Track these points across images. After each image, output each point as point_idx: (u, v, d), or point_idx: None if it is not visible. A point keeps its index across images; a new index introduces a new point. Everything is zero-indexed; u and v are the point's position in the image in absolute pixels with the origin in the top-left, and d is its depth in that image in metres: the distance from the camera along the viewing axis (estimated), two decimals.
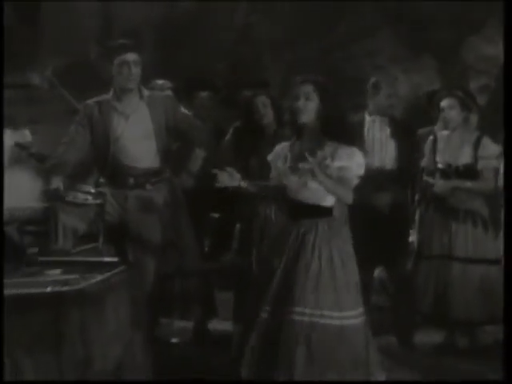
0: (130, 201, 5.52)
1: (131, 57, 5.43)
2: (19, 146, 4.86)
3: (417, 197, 6.33)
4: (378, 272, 6.74)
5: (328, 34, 9.28)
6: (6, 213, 5.12)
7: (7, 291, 3.90)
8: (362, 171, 4.80)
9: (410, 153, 6.22)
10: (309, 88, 4.83)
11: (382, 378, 4.81)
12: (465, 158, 5.99)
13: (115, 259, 4.77)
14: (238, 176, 4.91)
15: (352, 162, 4.77)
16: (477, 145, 6.05)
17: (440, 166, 6.15)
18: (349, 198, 4.78)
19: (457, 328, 6.19)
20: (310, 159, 4.68)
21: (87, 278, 4.11)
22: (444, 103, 6.10)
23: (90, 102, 5.61)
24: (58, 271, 4.38)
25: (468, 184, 5.96)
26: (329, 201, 4.80)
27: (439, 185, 6.07)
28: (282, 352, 4.63)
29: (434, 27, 8.90)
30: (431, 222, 6.19)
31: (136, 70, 5.47)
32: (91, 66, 8.67)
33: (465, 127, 6.13)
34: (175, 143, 5.81)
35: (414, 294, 6.20)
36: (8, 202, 5.16)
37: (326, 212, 4.82)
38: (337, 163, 4.75)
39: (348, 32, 9.32)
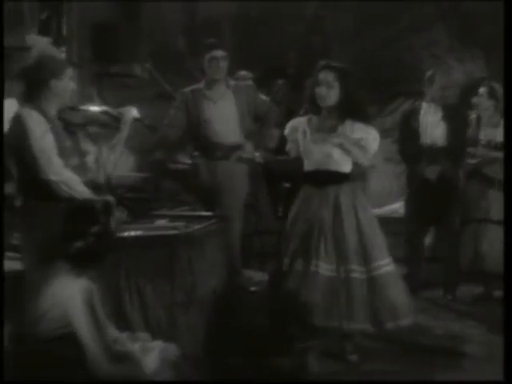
0: (218, 170, 6.50)
1: (219, 53, 6.50)
2: (136, 119, 5.31)
3: (461, 171, 7.09)
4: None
5: (392, 25, 9.58)
6: (115, 180, 5.87)
7: (132, 233, 5.00)
8: (376, 144, 5.21)
9: (459, 132, 6.98)
10: (331, 76, 5.10)
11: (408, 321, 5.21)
12: (500, 136, 6.78)
13: (210, 213, 5.81)
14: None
15: (369, 135, 5.17)
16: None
17: (482, 141, 7.02)
18: (366, 161, 5.21)
19: (492, 281, 6.88)
20: (337, 132, 5.06)
21: (190, 225, 5.26)
22: (480, 90, 7.11)
23: (186, 90, 6.68)
24: (165, 221, 5.44)
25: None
26: (348, 167, 5.21)
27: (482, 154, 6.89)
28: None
29: (480, 22, 9.24)
30: (472, 189, 7.00)
31: (223, 64, 6.53)
32: (179, 55, 9.39)
33: (495, 112, 6.98)
34: (256, 124, 6.72)
35: (459, 251, 6.98)
36: (118, 171, 5.93)
37: (347, 178, 5.21)
38: (356, 135, 5.14)
39: (410, 24, 9.59)
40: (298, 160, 5.30)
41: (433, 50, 9.55)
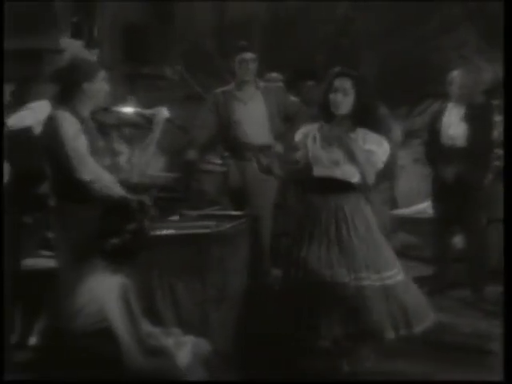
0: (248, 170, 6.61)
1: (249, 55, 6.62)
2: (168, 119, 5.36)
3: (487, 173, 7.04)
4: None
5: (421, 26, 9.58)
6: (147, 179, 5.93)
7: (164, 231, 5.12)
8: (385, 158, 5.07)
9: (482, 133, 6.95)
10: (347, 83, 5.00)
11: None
12: None
13: (240, 213, 5.90)
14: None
15: (380, 149, 5.03)
16: None
17: None
18: (372, 178, 5.04)
19: None
20: (348, 139, 4.96)
21: (221, 224, 5.36)
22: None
23: (217, 91, 6.80)
24: (196, 220, 5.56)
25: None
26: (355, 177, 5.06)
27: None
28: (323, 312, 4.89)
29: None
30: (498, 190, 7.11)
31: (252, 66, 6.64)
32: (209, 57, 9.46)
33: None
34: (285, 125, 6.80)
35: (485, 251, 7.02)
36: (150, 171, 6.02)
37: (354, 187, 5.08)
38: (367, 146, 4.99)
39: (438, 25, 9.61)
40: (308, 167, 5.19)
41: (461, 51, 9.55)
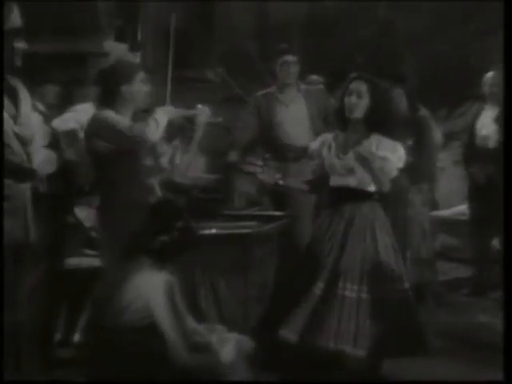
0: (289, 171, 6.65)
1: (290, 58, 6.70)
2: (210, 119, 5.34)
3: None
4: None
5: (462, 28, 9.71)
6: (190, 181, 6.02)
7: (209, 231, 5.23)
8: (401, 164, 4.99)
9: None
10: (362, 87, 4.96)
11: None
12: None
13: (281, 213, 5.99)
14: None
15: (394, 155, 4.94)
16: None
17: None
18: (386, 186, 4.95)
19: None
20: (362, 146, 4.87)
21: (262, 224, 5.44)
22: None
23: (259, 93, 6.90)
24: (237, 221, 5.64)
25: None
26: (372, 186, 4.99)
27: None
28: (333, 323, 4.75)
29: None
30: None
31: (294, 69, 6.72)
32: (249, 60, 9.59)
33: None
34: (326, 127, 6.65)
35: None
36: (191, 172, 6.15)
37: (369, 196, 5.00)
38: (381, 153, 4.90)
39: (479, 27, 9.64)
40: (324, 177, 5.14)
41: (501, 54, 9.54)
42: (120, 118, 4.82)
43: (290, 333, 4.75)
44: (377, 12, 10.11)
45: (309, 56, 8.20)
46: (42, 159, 4.79)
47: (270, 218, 5.74)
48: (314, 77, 7.72)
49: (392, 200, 5.97)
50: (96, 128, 4.85)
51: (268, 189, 6.74)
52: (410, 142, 6.35)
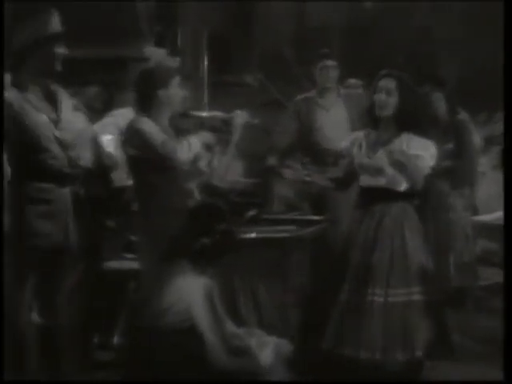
0: (328, 175, 6.48)
1: (330, 63, 6.72)
2: (247, 122, 5.30)
3: None
4: None
5: (498, 35, 9.82)
6: (228, 184, 6.03)
7: (251, 235, 5.26)
8: (433, 162, 4.96)
9: None
10: (391, 84, 4.93)
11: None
12: None
13: (319, 217, 5.99)
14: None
15: (426, 153, 4.91)
16: None
17: None
18: (420, 183, 4.92)
19: None
20: (392, 146, 4.86)
21: (301, 228, 5.44)
22: None
23: (298, 98, 6.91)
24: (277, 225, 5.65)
25: None
26: (402, 185, 4.94)
27: None
28: (364, 331, 4.74)
29: None
30: None
31: (334, 73, 6.74)
32: (287, 64, 9.57)
33: None
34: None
35: None
36: (229, 176, 6.15)
37: (399, 196, 4.95)
38: (413, 151, 4.87)
39: None
40: (353, 176, 5.13)
41: None
42: (154, 132, 4.83)
43: (326, 342, 4.76)
44: (415, 16, 10.05)
45: (347, 60, 8.21)
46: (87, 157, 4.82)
47: (309, 223, 5.75)
48: (353, 80, 7.70)
49: (433, 204, 5.99)
50: (130, 137, 4.89)
51: (307, 193, 6.73)
52: (449, 146, 6.30)
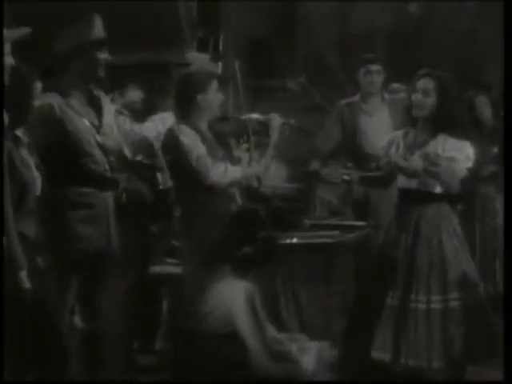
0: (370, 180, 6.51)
1: (374, 67, 6.66)
2: (286, 123, 5.35)
3: None
4: None
5: None
6: (270, 189, 6.15)
7: (293, 240, 5.24)
8: (470, 164, 4.84)
9: None
10: (429, 84, 4.83)
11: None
12: None
13: (363, 223, 5.97)
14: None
15: (462, 155, 4.80)
16: None
17: None
18: (456, 186, 4.81)
19: None
20: (427, 149, 4.79)
21: (344, 234, 5.42)
22: None
23: (342, 103, 6.87)
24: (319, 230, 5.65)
25: None
26: (436, 188, 4.85)
27: None
28: (410, 339, 4.66)
29: None
30: None
31: (378, 78, 6.68)
32: (330, 69, 9.47)
33: None
34: None
35: None
36: (272, 181, 6.23)
37: (436, 198, 4.86)
38: (447, 154, 4.78)
39: None
40: (390, 177, 5.09)
41: None
42: (192, 143, 4.86)
43: (378, 352, 4.70)
44: (460, 18, 9.90)
45: (392, 64, 8.17)
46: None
47: (352, 228, 5.73)
48: (396, 85, 7.63)
49: (479, 209, 5.92)
50: (168, 144, 4.95)
51: (349, 198, 6.70)
52: (495, 150, 6.24)
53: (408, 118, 5.02)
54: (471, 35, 9.84)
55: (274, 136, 5.15)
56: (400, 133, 5.08)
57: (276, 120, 5.18)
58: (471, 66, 9.44)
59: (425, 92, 4.83)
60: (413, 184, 4.88)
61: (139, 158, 5.48)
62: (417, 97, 4.85)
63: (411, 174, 4.85)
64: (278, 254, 4.69)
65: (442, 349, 4.71)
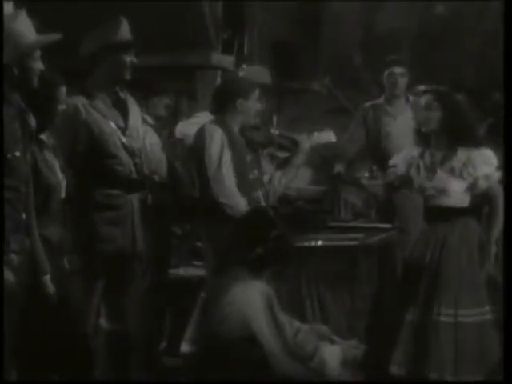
0: None
1: (398, 70, 6.65)
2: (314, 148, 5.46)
3: None
4: None
5: None
6: (294, 192, 6.13)
7: (314, 243, 5.24)
8: (500, 172, 4.78)
9: None
10: (429, 99, 4.91)
11: None
12: None
13: (388, 225, 5.95)
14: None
15: (493, 168, 4.79)
16: None
17: None
18: (488, 198, 4.81)
19: None
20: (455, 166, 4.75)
21: (369, 237, 5.42)
22: None
23: (366, 105, 6.86)
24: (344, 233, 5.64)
25: None
26: (465, 201, 4.83)
27: None
28: (431, 352, 4.62)
29: None
30: None
31: (402, 80, 6.67)
32: (355, 71, 9.60)
33: None
34: None
35: None
36: (296, 184, 6.19)
37: (463, 212, 4.84)
38: (480, 171, 4.77)
39: None
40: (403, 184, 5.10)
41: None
42: (215, 153, 4.94)
43: (396, 367, 4.66)
44: (485, 20, 9.91)
45: (416, 67, 8.16)
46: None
47: (377, 231, 5.71)
48: (421, 87, 7.60)
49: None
50: (195, 147, 5.06)
51: (374, 201, 6.68)
52: None
53: (419, 137, 5.01)
54: (496, 36, 9.89)
55: (299, 159, 5.32)
56: (416, 152, 5.02)
57: (305, 143, 5.28)
58: (496, 68, 9.02)
59: (428, 107, 4.88)
60: (442, 202, 4.85)
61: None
62: (421, 114, 4.91)
63: (439, 193, 4.83)
64: (304, 256, 4.71)
65: (476, 363, 4.67)
